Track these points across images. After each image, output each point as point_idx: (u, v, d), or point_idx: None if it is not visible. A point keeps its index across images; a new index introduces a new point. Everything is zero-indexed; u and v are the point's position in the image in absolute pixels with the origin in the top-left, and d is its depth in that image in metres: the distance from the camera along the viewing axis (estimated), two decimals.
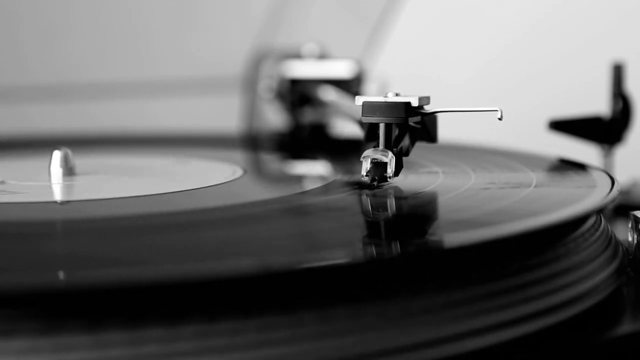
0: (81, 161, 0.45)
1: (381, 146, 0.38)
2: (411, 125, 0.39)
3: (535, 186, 0.39)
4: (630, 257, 0.36)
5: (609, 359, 0.31)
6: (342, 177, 0.45)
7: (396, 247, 0.31)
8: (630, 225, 0.36)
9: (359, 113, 0.39)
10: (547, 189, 0.39)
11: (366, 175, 0.38)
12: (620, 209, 0.44)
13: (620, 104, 0.48)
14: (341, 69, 0.60)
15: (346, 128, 0.59)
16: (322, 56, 0.62)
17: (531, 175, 0.41)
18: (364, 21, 0.79)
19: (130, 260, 0.29)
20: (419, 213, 0.37)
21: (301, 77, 0.61)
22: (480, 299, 0.30)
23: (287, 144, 0.63)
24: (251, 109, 0.69)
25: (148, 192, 0.40)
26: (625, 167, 0.50)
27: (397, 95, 0.38)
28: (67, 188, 0.42)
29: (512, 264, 0.31)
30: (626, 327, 0.32)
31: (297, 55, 0.63)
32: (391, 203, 0.38)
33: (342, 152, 0.57)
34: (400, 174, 0.39)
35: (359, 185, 0.40)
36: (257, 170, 0.51)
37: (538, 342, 0.30)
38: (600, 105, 0.50)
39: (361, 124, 0.41)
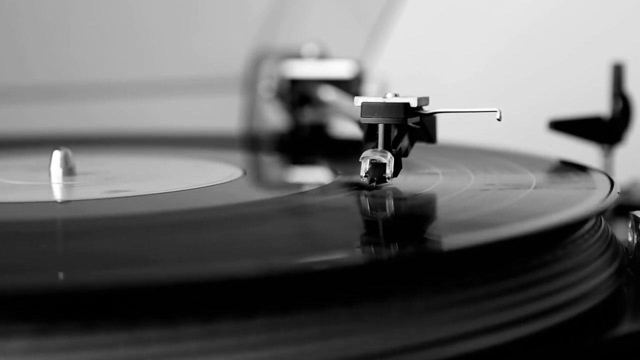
0: (81, 161, 0.45)
1: (380, 147, 0.38)
2: (410, 125, 0.39)
3: (534, 187, 0.39)
4: (630, 257, 0.36)
5: (609, 359, 0.31)
6: (341, 177, 0.45)
7: (395, 249, 0.31)
8: (630, 225, 0.36)
9: (358, 113, 0.39)
10: (546, 191, 0.39)
11: (365, 176, 0.38)
12: (620, 209, 0.44)
13: (620, 104, 0.48)
14: (341, 69, 0.60)
15: (346, 128, 0.59)
16: (322, 56, 0.62)
17: (530, 177, 0.41)
18: (364, 21, 0.79)
19: (130, 260, 0.29)
20: (418, 214, 0.37)
21: (301, 77, 0.61)
22: (481, 300, 0.30)
23: (287, 144, 0.63)
24: (251, 109, 0.69)
25: (147, 192, 0.40)
26: (625, 167, 0.50)
27: (396, 95, 0.38)
28: (67, 188, 0.42)
29: (512, 266, 0.31)
30: (626, 327, 0.32)
31: (297, 55, 0.63)
32: (390, 204, 0.38)
33: (342, 152, 0.57)
34: (400, 175, 0.39)
35: (358, 186, 0.40)
36: (257, 171, 0.51)
37: (538, 344, 0.30)
38: (600, 105, 0.50)
39: (360, 124, 0.41)
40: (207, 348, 0.26)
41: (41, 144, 0.57)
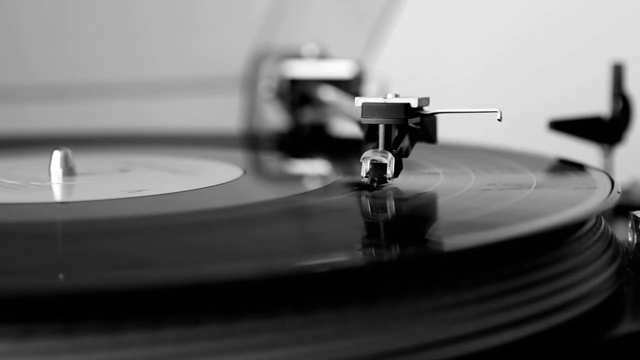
0: (81, 161, 0.45)
1: (381, 147, 0.38)
2: (411, 126, 0.39)
3: (535, 187, 0.39)
4: (630, 257, 0.36)
5: (609, 359, 0.31)
6: (342, 177, 0.45)
7: (395, 250, 0.31)
8: (630, 225, 0.36)
9: (358, 113, 0.39)
10: (547, 191, 0.39)
11: (366, 177, 0.38)
12: (620, 209, 0.44)
13: (620, 104, 0.48)
14: (341, 69, 0.60)
15: (346, 128, 0.59)
16: (322, 56, 0.62)
17: (531, 176, 0.41)
18: (364, 21, 0.79)
19: (130, 261, 0.29)
20: (419, 214, 0.37)
21: (301, 77, 0.61)
22: (481, 301, 0.30)
23: (287, 144, 0.63)
24: (251, 109, 0.69)
25: (148, 193, 0.40)
26: (625, 167, 0.50)
27: (396, 96, 0.38)
28: (67, 188, 0.42)
29: (512, 267, 0.31)
30: (626, 327, 0.32)
31: (297, 55, 0.63)
32: (391, 204, 0.38)
33: (342, 152, 0.57)
34: (400, 175, 0.39)
35: (359, 186, 0.40)
36: (257, 171, 0.51)
37: (538, 344, 0.30)
38: (600, 105, 0.50)
39: (361, 124, 0.41)
40: (192, 350, 0.26)
41: (41, 144, 0.57)
